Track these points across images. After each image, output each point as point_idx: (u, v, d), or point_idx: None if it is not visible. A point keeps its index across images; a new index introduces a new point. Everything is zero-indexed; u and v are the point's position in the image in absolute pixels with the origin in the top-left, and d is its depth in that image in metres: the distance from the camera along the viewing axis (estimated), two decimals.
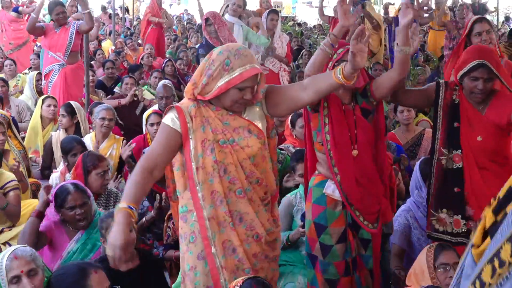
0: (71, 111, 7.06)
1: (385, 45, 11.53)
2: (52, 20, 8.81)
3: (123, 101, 7.95)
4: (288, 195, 4.87)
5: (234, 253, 3.34)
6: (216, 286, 3.31)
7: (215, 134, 3.27)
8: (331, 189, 3.90)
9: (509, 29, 13.97)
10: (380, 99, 4.04)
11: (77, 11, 9.45)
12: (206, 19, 9.07)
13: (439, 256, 3.62)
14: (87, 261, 3.85)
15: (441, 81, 4.06)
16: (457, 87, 4.11)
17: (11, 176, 5.54)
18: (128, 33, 16.25)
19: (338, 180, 3.89)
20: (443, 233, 4.17)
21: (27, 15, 13.27)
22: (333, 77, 3.20)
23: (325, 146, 3.89)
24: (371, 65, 10.14)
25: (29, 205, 5.77)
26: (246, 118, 3.38)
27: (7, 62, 10.83)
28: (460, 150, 4.06)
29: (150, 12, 13.81)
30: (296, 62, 12.07)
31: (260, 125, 3.41)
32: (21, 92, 10.16)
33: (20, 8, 13.69)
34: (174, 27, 15.86)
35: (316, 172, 4.05)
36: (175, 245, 4.67)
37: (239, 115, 3.36)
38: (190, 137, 3.26)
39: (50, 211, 4.53)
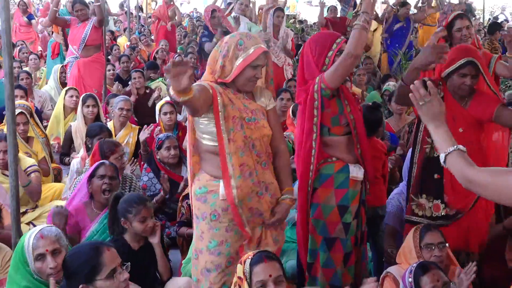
0: (96, 103, 7.13)
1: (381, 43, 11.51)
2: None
3: (132, 98, 7.97)
4: None
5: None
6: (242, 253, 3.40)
7: (241, 112, 3.35)
8: (356, 172, 3.89)
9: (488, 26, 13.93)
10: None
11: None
12: (212, 11, 9.13)
13: (424, 237, 3.64)
14: (99, 241, 3.91)
15: (425, 78, 4.06)
16: (440, 84, 4.14)
17: (32, 161, 5.73)
18: (142, 30, 16.26)
19: (362, 159, 3.93)
20: (422, 217, 4.18)
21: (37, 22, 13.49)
22: None
23: (351, 126, 3.88)
24: (362, 59, 10.12)
25: (51, 188, 5.83)
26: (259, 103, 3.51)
27: (31, 56, 10.88)
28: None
29: (157, 15, 13.84)
30: (297, 57, 12.07)
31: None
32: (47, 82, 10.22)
33: (33, 21, 13.78)
34: (184, 24, 15.83)
35: (334, 159, 3.92)
36: (188, 223, 4.74)
37: (253, 99, 3.47)
38: (220, 109, 3.30)
39: (79, 195, 4.62)
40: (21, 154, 5.49)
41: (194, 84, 3.23)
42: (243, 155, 3.39)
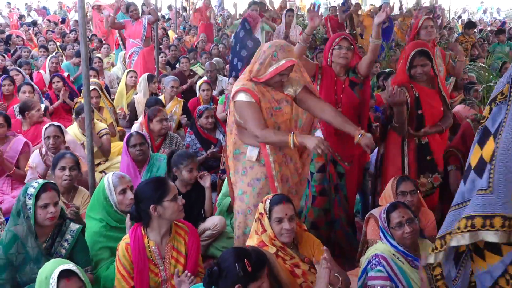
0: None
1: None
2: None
3: (184, 87, 8.07)
4: None
5: (288, 182, 3.43)
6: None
7: (270, 103, 3.30)
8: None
9: (456, 24, 13.68)
10: (364, 75, 4.05)
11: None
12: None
13: (399, 186, 3.59)
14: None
15: (403, 88, 3.99)
16: (412, 85, 4.03)
17: (104, 125, 5.76)
18: (186, 25, 16.16)
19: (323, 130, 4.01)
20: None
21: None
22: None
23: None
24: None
25: (118, 146, 5.88)
26: (285, 92, 3.41)
27: (104, 45, 10.94)
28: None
29: (198, 16, 13.73)
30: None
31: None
32: (113, 66, 10.27)
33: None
34: (218, 21, 15.69)
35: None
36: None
37: (280, 90, 3.39)
38: (261, 104, 3.28)
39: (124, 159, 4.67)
40: (96, 120, 5.58)
41: (247, 101, 3.25)
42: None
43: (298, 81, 3.43)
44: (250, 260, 2.43)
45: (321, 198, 4.14)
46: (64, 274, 2.29)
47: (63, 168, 3.85)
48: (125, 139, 4.68)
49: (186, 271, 2.96)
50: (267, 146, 3.29)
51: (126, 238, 3.06)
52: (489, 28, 15.79)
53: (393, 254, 3.01)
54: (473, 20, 16.41)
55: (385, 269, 2.93)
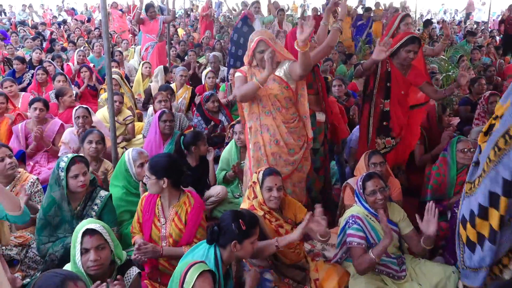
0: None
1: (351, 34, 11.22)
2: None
3: (190, 72, 8.00)
4: None
5: (260, 150, 3.45)
6: None
7: (259, 82, 3.25)
8: (320, 117, 3.89)
9: (421, 23, 13.53)
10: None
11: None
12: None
13: (370, 159, 3.61)
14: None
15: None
16: (387, 61, 3.98)
17: (129, 112, 5.73)
18: (193, 24, 15.98)
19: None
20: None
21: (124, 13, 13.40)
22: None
23: (319, 90, 3.92)
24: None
25: (136, 126, 5.87)
26: (275, 73, 3.37)
27: (124, 41, 10.82)
28: (389, 100, 4.01)
29: (204, 13, 13.55)
30: None
31: (283, 77, 3.38)
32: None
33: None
34: (220, 20, 15.49)
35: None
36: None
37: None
38: (248, 79, 3.40)
39: (152, 130, 4.68)
40: (123, 108, 5.68)
41: (237, 76, 3.44)
42: (253, 106, 3.46)
43: (287, 61, 3.39)
44: (244, 221, 2.46)
45: (323, 167, 4.06)
46: (88, 232, 2.30)
47: (90, 142, 3.85)
48: (157, 114, 4.67)
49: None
50: (249, 130, 3.44)
51: (147, 193, 3.05)
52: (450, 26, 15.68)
53: (366, 215, 3.04)
54: (436, 19, 16.27)
55: (361, 227, 2.96)
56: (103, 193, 3.16)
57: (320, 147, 3.97)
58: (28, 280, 3.03)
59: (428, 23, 11.43)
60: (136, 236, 3.02)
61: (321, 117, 3.90)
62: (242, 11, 8.88)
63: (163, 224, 2.95)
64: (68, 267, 2.33)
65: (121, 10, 14.05)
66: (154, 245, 2.83)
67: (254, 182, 3.07)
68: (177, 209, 2.94)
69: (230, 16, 13.72)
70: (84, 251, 2.27)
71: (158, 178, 2.86)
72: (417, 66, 4.14)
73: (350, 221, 3.00)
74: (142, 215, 3.00)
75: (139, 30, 9.87)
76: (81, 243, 2.26)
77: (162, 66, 7.50)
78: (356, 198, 3.17)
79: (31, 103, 4.79)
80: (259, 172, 3.07)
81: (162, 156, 3.03)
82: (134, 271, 2.41)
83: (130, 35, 13.21)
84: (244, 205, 3.09)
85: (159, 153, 3.22)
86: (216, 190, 4.17)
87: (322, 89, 3.94)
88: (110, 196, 3.20)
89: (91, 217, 3.02)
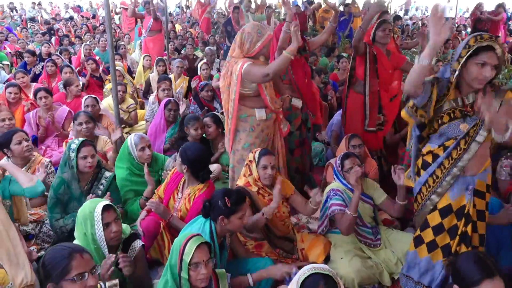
0: (165, 64, 7.06)
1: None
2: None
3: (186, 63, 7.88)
4: None
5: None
6: None
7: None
8: (296, 102, 3.84)
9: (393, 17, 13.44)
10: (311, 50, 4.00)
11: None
12: (236, 7, 8.85)
13: (350, 141, 3.62)
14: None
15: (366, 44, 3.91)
16: (372, 46, 3.92)
17: (132, 101, 5.67)
18: (190, 20, 15.73)
19: (301, 96, 3.86)
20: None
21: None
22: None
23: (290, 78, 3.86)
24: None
25: (139, 113, 5.82)
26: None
27: (126, 36, 10.65)
28: (378, 80, 3.95)
29: (198, 11, 13.32)
30: None
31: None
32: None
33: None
34: (214, 16, 15.27)
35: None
36: None
37: (265, 63, 3.23)
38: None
39: (158, 115, 4.61)
40: (126, 97, 5.57)
41: (250, 63, 3.09)
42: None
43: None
44: (230, 198, 2.44)
45: (298, 149, 4.04)
46: (105, 208, 2.30)
47: (81, 124, 3.88)
48: (163, 102, 4.62)
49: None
50: (268, 100, 3.22)
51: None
52: (420, 22, 15.60)
53: (345, 189, 3.05)
54: (408, 15, 16.15)
55: (341, 197, 2.98)
56: (107, 173, 3.16)
57: (295, 131, 3.89)
58: (43, 252, 3.02)
59: (396, 18, 11.34)
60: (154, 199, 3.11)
61: (297, 103, 3.83)
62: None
63: (179, 198, 3.01)
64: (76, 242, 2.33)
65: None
66: (166, 208, 2.91)
67: (250, 161, 3.05)
68: (191, 191, 2.96)
69: (224, 13, 13.55)
70: (105, 226, 2.28)
71: (182, 163, 2.94)
72: (394, 52, 4.14)
73: (331, 194, 3.02)
74: (169, 182, 3.08)
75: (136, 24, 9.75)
76: (102, 219, 2.27)
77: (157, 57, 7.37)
78: (334, 175, 3.17)
79: (35, 94, 4.79)
80: (255, 152, 3.05)
81: (194, 148, 2.97)
82: (138, 243, 2.43)
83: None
84: (240, 181, 3.08)
85: (194, 144, 3.12)
86: (212, 168, 4.16)
87: (307, 77, 3.87)
88: (114, 176, 3.20)
89: (98, 195, 3.02)
